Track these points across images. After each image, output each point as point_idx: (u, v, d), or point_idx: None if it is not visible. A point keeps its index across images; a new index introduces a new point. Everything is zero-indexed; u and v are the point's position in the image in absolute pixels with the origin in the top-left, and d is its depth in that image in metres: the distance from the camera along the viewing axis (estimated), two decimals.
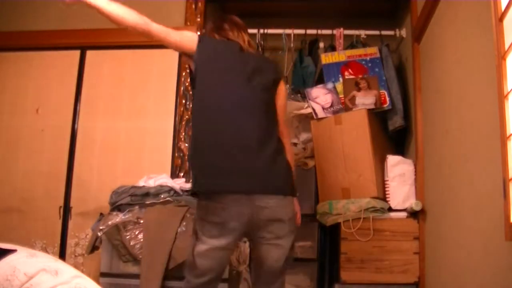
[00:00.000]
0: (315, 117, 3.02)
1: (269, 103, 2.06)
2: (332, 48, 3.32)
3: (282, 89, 2.16)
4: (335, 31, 3.29)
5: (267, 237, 1.96)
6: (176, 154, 3.19)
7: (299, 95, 3.23)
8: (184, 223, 2.46)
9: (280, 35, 3.35)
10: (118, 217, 2.58)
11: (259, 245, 2.00)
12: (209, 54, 2.03)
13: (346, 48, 3.28)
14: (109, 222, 2.57)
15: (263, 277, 2.06)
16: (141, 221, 2.51)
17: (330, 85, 3.10)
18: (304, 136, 3.07)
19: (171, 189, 2.65)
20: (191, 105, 3.10)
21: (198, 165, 1.95)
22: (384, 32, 3.31)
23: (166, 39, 2.02)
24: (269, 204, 1.90)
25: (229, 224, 1.89)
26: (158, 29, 2.02)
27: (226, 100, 1.96)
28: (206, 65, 2.01)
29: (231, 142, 1.90)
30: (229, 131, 1.91)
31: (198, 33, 2.14)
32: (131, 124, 3.28)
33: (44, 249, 3.13)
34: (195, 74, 2.01)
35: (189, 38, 2.05)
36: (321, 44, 3.35)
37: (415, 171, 2.81)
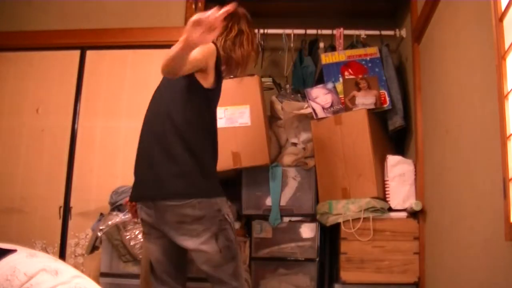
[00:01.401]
0: (315, 117, 3.02)
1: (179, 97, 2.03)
2: (332, 48, 3.31)
3: None
4: (335, 31, 3.29)
5: (182, 242, 1.98)
6: None
7: (299, 95, 3.23)
8: None
9: (280, 35, 3.35)
10: (118, 217, 2.59)
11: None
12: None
13: (346, 48, 3.27)
14: (109, 222, 2.57)
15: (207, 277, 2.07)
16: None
17: (330, 85, 3.10)
18: (304, 136, 3.07)
19: None
20: None
21: None
22: (384, 32, 3.31)
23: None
24: (168, 207, 1.96)
25: (146, 224, 2.07)
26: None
27: (148, 113, 2.19)
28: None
29: (141, 153, 2.11)
30: (140, 143, 2.14)
31: None
32: (131, 124, 3.26)
33: (44, 249, 3.12)
34: None
35: None
36: (321, 44, 3.35)
37: (415, 171, 2.81)
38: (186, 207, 1.93)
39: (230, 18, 2.08)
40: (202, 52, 1.89)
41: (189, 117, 2.01)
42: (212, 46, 1.97)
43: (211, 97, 2.08)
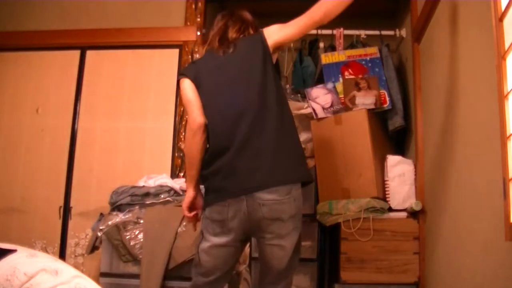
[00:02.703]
0: (315, 117, 3.02)
1: (262, 82, 1.99)
2: (332, 48, 3.32)
3: (272, 31, 2.08)
4: (335, 31, 3.29)
5: (267, 237, 1.95)
6: (176, 154, 3.19)
7: (299, 95, 3.23)
8: (184, 223, 2.46)
9: None
10: (118, 217, 2.58)
11: (261, 245, 1.99)
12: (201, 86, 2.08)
13: (346, 48, 3.28)
14: (109, 222, 2.57)
15: (268, 276, 2.05)
16: (141, 221, 2.51)
17: (330, 85, 3.10)
18: (304, 136, 3.07)
19: (171, 189, 2.66)
20: None
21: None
22: (384, 32, 3.31)
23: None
24: (267, 202, 1.88)
25: (228, 222, 1.92)
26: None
27: (223, 108, 2.00)
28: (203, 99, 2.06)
29: (226, 144, 1.94)
30: (224, 134, 1.96)
31: (181, 78, 2.14)
32: (131, 124, 3.28)
33: (44, 249, 3.13)
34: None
35: (193, 93, 2.10)
36: (321, 44, 3.35)
37: (415, 171, 2.81)
38: (284, 202, 1.90)
39: (241, 23, 2.14)
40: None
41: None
42: None
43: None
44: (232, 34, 2.12)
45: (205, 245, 1.98)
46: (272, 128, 1.94)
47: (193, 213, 2.10)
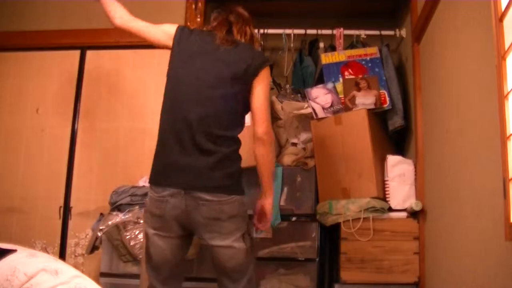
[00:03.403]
0: (315, 117, 3.02)
1: (231, 98, 2.02)
2: (332, 48, 3.32)
3: (260, 84, 2.06)
4: (335, 31, 3.29)
5: (208, 237, 1.96)
6: None
7: (299, 95, 3.23)
8: None
9: (280, 35, 3.35)
10: (118, 217, 2.59)
11: (208, 247, 2.03)
12: (179, 50, 2.11)
13: (346, 48, 3.28)
14: (109, 222, 2.58)
15: (224, 274, 2.04)
16: (141, 221, 2.52)
17: (330, 85, 3.10)
18: (304, 136, 3.07)
19: None
20: None
21: (153, 159, 2.06)
22: (384, 32, 3.31)
23: (146, 38, 2.17)
24: (206, 202, 1.91)
25: (166, 217, 1.95)
26: (136, 26, 2.17)
27: (181, 95, 2.02)
28: (174, 60, 2.12)
29: (176, 137, 1.97)
30: (177, 126, 1.98)
31: (177, 25, 2.17)
32: (131, 124, 3.27)
33: (44, 249, 3.13)
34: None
35: (165, 35, 2.15)
36: (321, 44, 3.35)
37: (415, 171, 2.81)
38: (223, 203, 1.93)
39: (242, 21, 2.16)
40: None
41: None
42: None
43: None
44: (235, 32, 2.13)
45: (149, 237, 2.02)
46: (218, 136, 1.97)
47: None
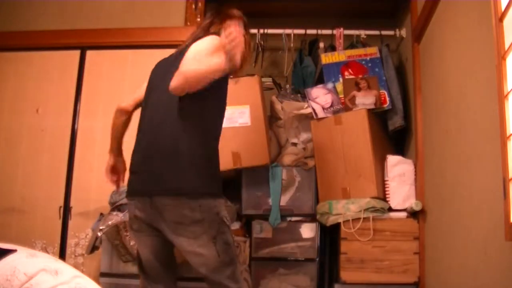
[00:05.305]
0: (315, 117, 3.02)
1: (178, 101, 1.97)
2: (332, 48, 3.32)
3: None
4: (335, 31, 3.29)
5: (176, 241, 1.94)
6: None
7: (299, 95, 3.23)
8: None
9: (280, 35, 3.35)
10: (118, 217, 2.59)
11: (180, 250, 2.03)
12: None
13: (346, 48, 3.27)
14: (109, 222, 2.57)
15: (203, 277, 2.00)
16: None
17: (330, 85, 3.10)
18: (304, 136, 3.07)
19: None
20: None
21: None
22: (384, 32, 3.31)
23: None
24: (167, 207, 1.91)
25: (140, 219, 1.99)
26: (138, 93, 2.40)
27: (146, 107, 2.17)
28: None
29: (141, 146, 2.06)
30: (141, 136, 2.09)
31: None
32: (131, 124, 3.27)
33: (44, 249, 3.12)
34: None
35: None
36: (321, 44, 3.35)
37: (415, 171, 2.81)
38: (185, 208, 1.89)
39: (221, 19, 2.13)
40: None
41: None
42: None
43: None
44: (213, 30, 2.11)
45: (134, 237, 2.10)
46: (175, 137, 1.95)
47: (114, 178, 2.26)
